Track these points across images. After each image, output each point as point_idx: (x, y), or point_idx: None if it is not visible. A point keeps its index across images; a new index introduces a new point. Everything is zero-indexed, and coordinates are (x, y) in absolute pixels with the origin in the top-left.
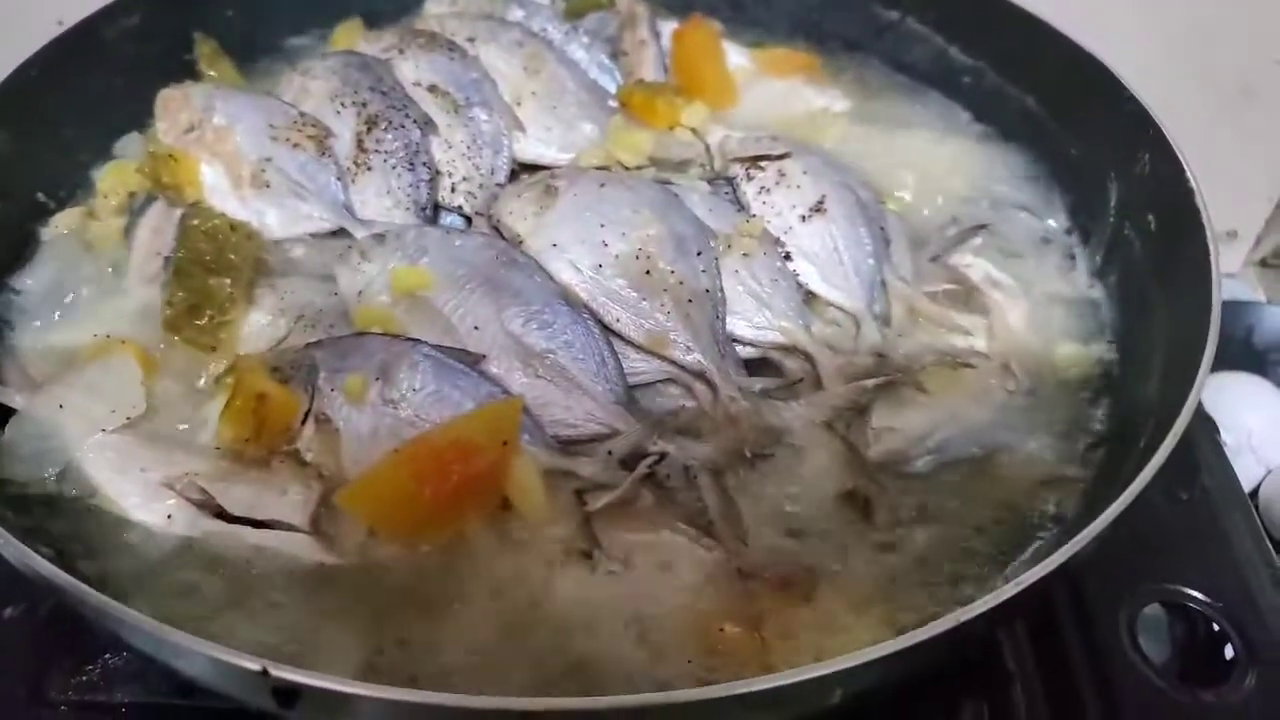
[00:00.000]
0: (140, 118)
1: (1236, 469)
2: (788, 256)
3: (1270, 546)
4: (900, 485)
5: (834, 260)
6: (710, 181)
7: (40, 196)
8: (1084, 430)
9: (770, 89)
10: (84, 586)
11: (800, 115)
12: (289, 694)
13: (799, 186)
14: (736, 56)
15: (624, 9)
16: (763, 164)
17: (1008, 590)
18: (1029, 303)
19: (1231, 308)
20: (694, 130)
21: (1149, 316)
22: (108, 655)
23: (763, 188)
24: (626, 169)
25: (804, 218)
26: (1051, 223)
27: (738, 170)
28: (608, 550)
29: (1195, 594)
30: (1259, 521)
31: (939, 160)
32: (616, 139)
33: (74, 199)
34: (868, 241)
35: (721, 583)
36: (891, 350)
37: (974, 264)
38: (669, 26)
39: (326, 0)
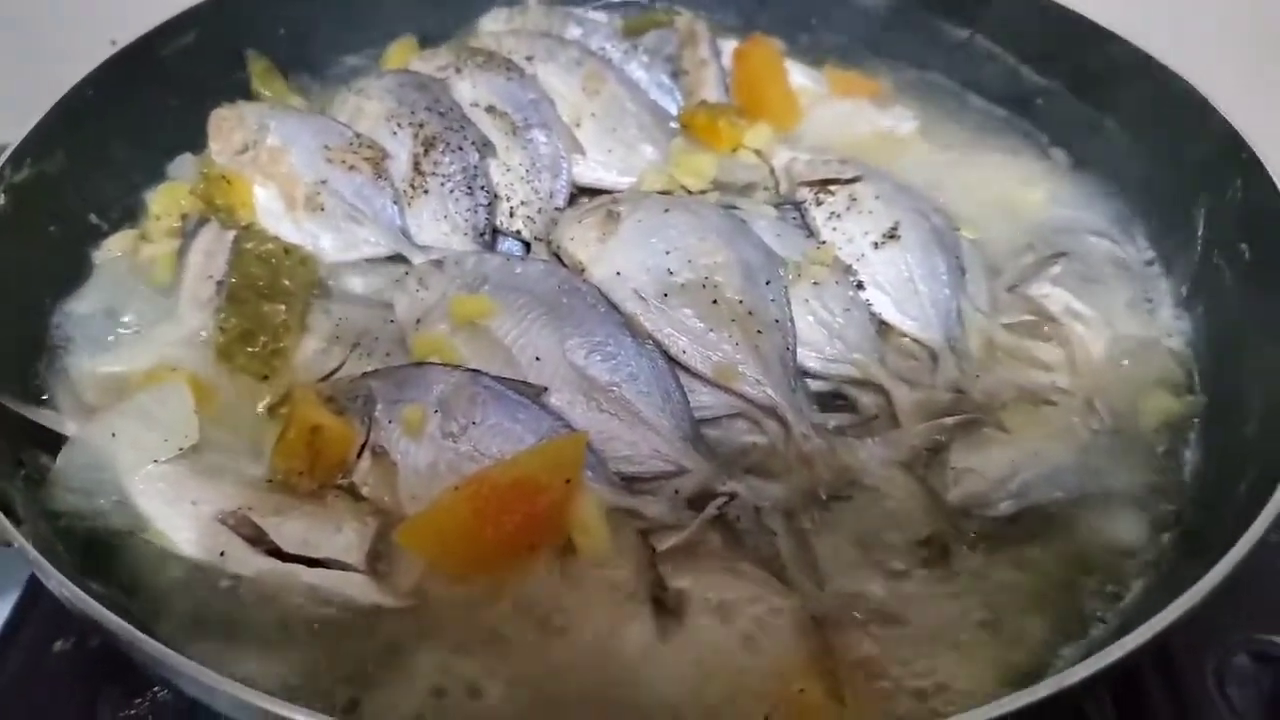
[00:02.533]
0: (194, 138)
1: None
2: (860, 285)
3: None
4: (981, 530)
5: (909, 290)
6: (777, 206)
7: (93, 218)
8: (1173, 472)
9: (835, 109)
10: (139, 633)
11: (866, 136)
12: None
13: (871, 212)
14: (799, 76)
15: (684, 27)
16: (832, 188)
17: (1125, 644)
18: (1110, 335)
19: None
20: (758, 152)
21: (1243, 351)
22: (156, 689)
23: (833, 213)
24: (689, 193)
25: (876, 245)
26: (1132, 250)
27: (806, 194)
28: (674, 594)
29: None
30: None
31: (1011, 184)
32: (679, 162)
33: (127, 221)
34: (943, 270)
35: (796, 632)
36: (970, 385)
37: (1052, 294)
38: (729, 45)
39: (380, 17)
